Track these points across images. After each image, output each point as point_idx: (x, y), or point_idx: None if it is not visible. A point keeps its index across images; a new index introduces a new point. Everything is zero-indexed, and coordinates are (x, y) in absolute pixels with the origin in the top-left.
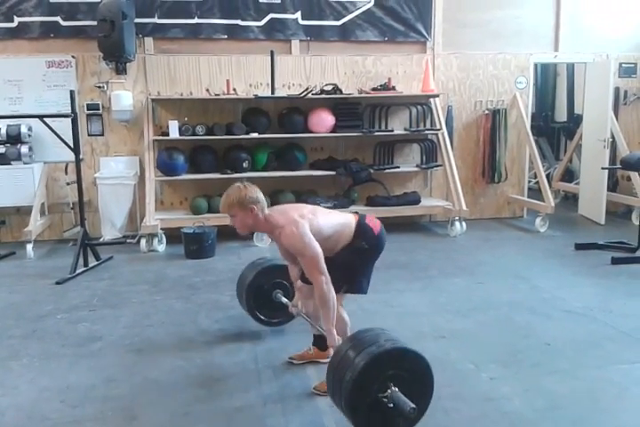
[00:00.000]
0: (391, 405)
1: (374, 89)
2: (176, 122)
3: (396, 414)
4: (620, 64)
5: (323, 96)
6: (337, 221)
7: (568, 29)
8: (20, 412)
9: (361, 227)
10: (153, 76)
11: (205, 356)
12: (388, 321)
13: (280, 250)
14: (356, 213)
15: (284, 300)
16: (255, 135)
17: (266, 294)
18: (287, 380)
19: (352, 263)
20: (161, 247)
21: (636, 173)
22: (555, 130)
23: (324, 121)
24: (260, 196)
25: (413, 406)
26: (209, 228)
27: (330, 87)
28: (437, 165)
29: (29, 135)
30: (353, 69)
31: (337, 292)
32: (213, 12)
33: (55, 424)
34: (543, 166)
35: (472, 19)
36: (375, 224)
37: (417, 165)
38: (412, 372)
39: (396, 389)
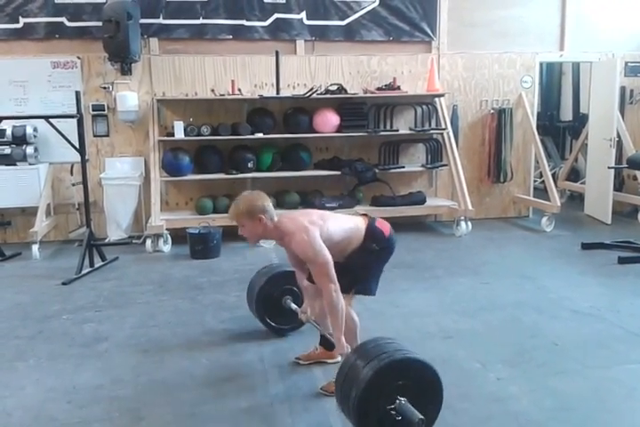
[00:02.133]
0: (399, 418)
1: (379, 89)
2: (181, 122)
3: (406, 425)
4: (626, 63)
5: (328, 96)
6: (347, 225)
7: (573, 28)
8: (26, 412)
9: (371, 230)
10: (158, 76)
11: (212, 356)
12: (394, 322)
13: (288, 256)
14: (366, 215)
15: (294, 306)
16: (260, 135)
17: (275, 301)
18: (294, 380)
19: (362, 264)
20: (166, 248)
21: None
22: (560, 129)
23: (329, 121)
24: (269, 205)
25: (421, 417)
26: (214, 228)
27: (335, 87)
28: (443, 165)
29: (35, 136)
30: (358, 69)
31: (347, 293)
32: (218, 13)
33: (62, 425)
34: (549, 166)
35: (477, 18)
36: (385, 227)
37: (422, 165)
38: (419, 381)
39: (404, 400)
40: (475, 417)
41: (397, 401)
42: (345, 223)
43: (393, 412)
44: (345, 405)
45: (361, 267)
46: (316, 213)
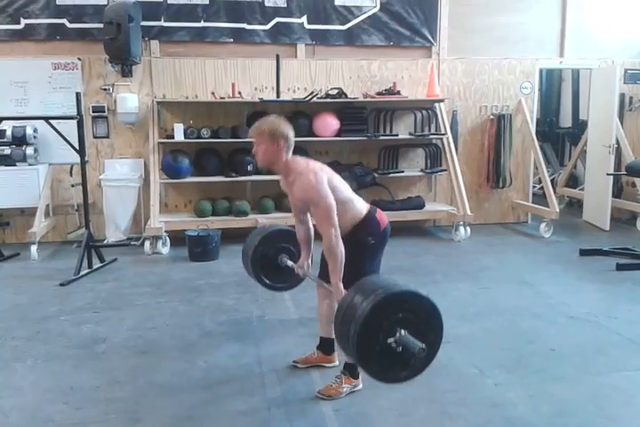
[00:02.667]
0: (400, 349)
1: (379, 93)
2: (181, 125)
3: (409, 356)
4: (626, 70)
5: (328, 100)
6: (353, 195)
7: (573, 35)
8: (23, 413)
9: (370, 217)
10: (159, 78)
11: (209, 359)
12: None
13: (291, 201)
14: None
15: (290, 263)
16: None
17: (271, 259)
18: (291, 384)
19: (360, 260)
20: (165, 250)
21: None
22: (559, 135)
23: (328, 125)
24: (292, 136)
25: (422, 346)
26: (213, 230)
27: (335, 91)
28: (442, 170)
29: (35, 137)
30: (358, 74)
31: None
32: (219, 16)
33: (59, 426)
34: (548, 172)
35: (477, 24)
36: (383, 220)
37: (421, 170)
38: (417, 313)
39: (404, 332)
40: (472, 423)
41: (397, 334)
42: (350, 191)
43: (393, 344)
44: (345, 342)
45: (357, 261)
46: (328, 168)
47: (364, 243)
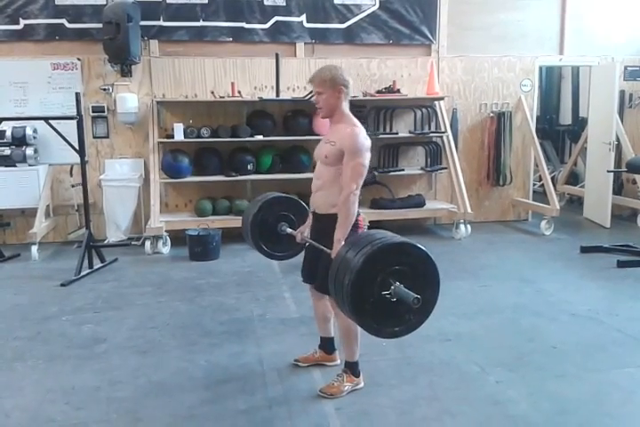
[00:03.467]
0: (394, 299)
1: (379, 92)
2: (181, 124)
3: (403, 310)
4: (626, 67)
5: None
6: None
7: (573, 32)
8: (24, 413)
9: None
10: (158, 78)
11: (210, 358)
12: None
13: (319, 153)
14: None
15: (290, 230)
16: (260, 138)
17: (271, 227)
18: (293, 382)
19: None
20: (165, 249)
21: None
22: (560, 133)
23: (328, 123)
24: (351, 83)
25: (417, 296)
26: (213, 230)
27: None
28: (442, 168)
29: (34, 137)
30: (358, 72)
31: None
32: (218, 15)
33: (60, 426)
34: (548, 169)
35: (477, 22)
36: (361, 224)
37: (422, 168)
38: (413, 265)
39: (399, 284)
40: (473, 420)
41: (392, 286)
42: None
43: (388, 296)
44: (339, 294)
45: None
46: None
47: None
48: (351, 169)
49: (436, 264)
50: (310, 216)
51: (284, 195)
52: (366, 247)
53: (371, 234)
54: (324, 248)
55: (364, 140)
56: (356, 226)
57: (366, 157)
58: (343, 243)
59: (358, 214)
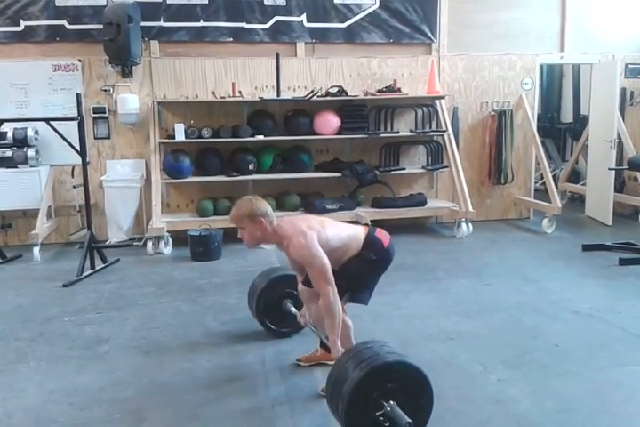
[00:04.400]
0: (387, 424)
1: (380, 91)
2: (182, 125)
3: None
4: (627, 65)
5: (328, 98)
6: (345, 233)
7: (574, 30)
8: (27, 414)
9: (370, 239)
10: (159, 79)
11: (213, 358)
12: (395, 323)
13: (289, 261)
14: (367, 225)
15: (294, 310)
16: (261, 138)
17: (276, 304)
18: (295, 382)
19: (357, 273)
20: (167, 250)
21: None
22: (561, 131)
23: (329, 123)
24: (269, 210)
25: (409, 420)
26: (215, 230)
27: (335, 89)
28: (443, 167)
29: (36, 138)
30: (358, 71)
31: (340, 298)
32: (219, 15)
33: None
34: (549, 167)
35: (477, 20)
36: (385, 237)
37: (423, 167)
38: (405, 384)
39: (393, 403)
40: (475, 419)
41: (385, 407)
42: (344, 230)
43: (381, 418)
44: (336, 416)
45: (356, 275)
46: (316, 219)
47: (365, 257)
48: (315, 274)
49: (428, 378)
50: (300, 290)
51: (289, 273)
52: (367, 360)
53: (372, 346)
54: (326, 340)
55: (307, 245)
56: (380, 242)
57: (319, 255)
58: (339, 343)
59: (374, 229)
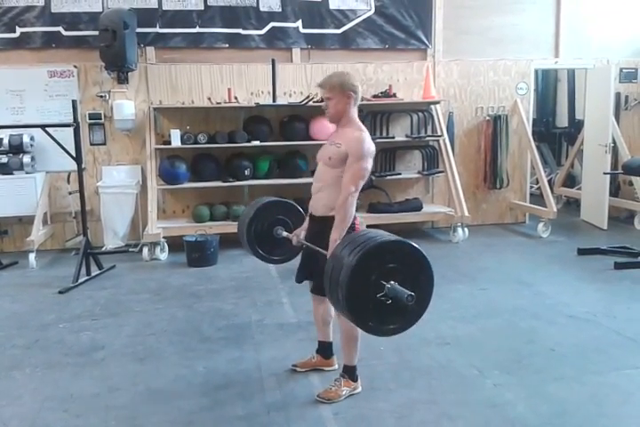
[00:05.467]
0: (389, 301)
1: (375, 96)
2: (178, 130)
3: (401, 308)
4: (621, 69)
5: (324, 104)
6: None
7: (568, 35)
8: (23, 422)
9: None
10: (155, 85)
11: (208, 364)
12: None
13: (323, 154)
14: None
15: (285, 233)
16: (257, 143)
17: (267, 231)
18: (291, 388)
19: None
20: (163, 256)
21: (638, 178)
22: (556, 135)
23: (325, 128)
24: (360, 89)
25: (410, 293)
26: (211, 236)
27: None
28: (439, 172)
29: (32, 145)
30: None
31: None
32: (214, 22)
33: None
34: (545, 172)
35: (472, 26)
36: (357, 225)
37: (418, 172)
38: (405, 263)
39: (393, 282)
40: (471, 424)
41: (386, 285)
42: None
43: (383, 298)
44: (334, 293)
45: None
46: None
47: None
48: (353, 171)
49: (429, 260)
50: (307, 219)
51: (279, 199)
52: (360, 246)
53: (365, 233)
54: (321, 250)
55: (370, 146)
56: (352, 228)
57: (369, 162)
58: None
59: (355, 217)
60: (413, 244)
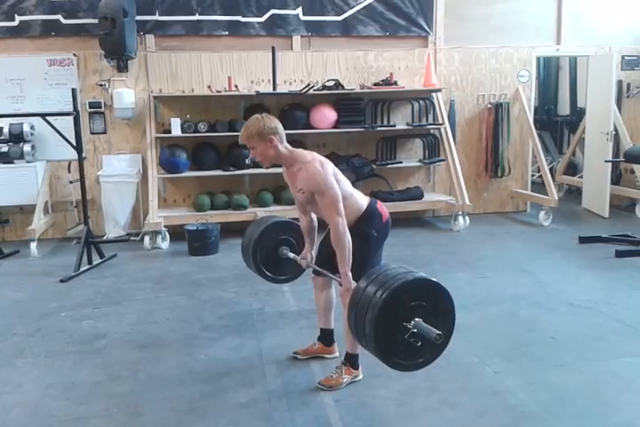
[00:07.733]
0: (419, 343)
1: (376, 84)
2: (178, 119)
3: (429, 344)
4: (623, 57)
5: (324, 92)
6: (353, 189)
7: (570, 22)
8: (25, 409)
9: (371, 209)
10: (154, 73)
11: (210, 352)
12: None
13: (293, 192)
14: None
15: (292, 255)
16: None
17: (272, 252)
18: (292, 375)
19: (363, 253)
20: (164, 244)
21: None
22: (558, 123)
23: (326, 117)
24: (280, 126)
25: (439, 332)
26: (212, 224)
27: (332, 83)
28: (440, 160)
29: (32, 134)
30: (355, 65)
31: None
32: (214, 9)
33: (60, 421)
34: (546, 160)
35: (474, 13)
36: (384, 212)
37: (420, 160)
38: (423, 298)
39: (418, 320)
40: (472, 411)
41: (412, 322)
42: (351, 187)
43: (411, 339)
44: (361, 331)
45: (359, 254)
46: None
47: (367, 236)
48: (326, 204)
49: (452, 299)
50: (308, 240)
51: (283, 219)
52: (377, 293)
53: (389, 269)
54: (333, 276)
55: (323, 173)
56: (380, 216)
57: (332, 186)
58: (350, 274)
59: (375, 201)
60: (426, 276)
